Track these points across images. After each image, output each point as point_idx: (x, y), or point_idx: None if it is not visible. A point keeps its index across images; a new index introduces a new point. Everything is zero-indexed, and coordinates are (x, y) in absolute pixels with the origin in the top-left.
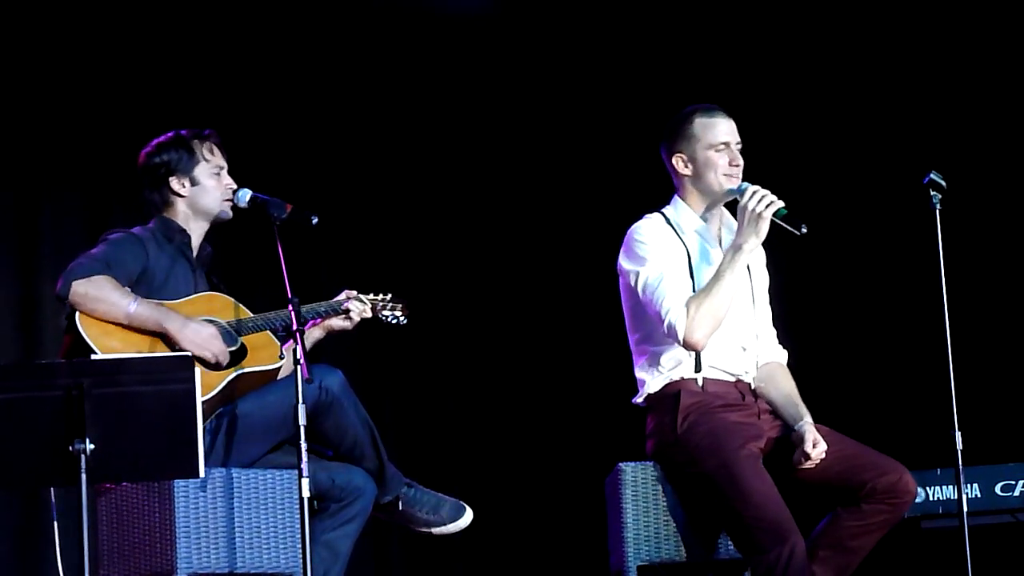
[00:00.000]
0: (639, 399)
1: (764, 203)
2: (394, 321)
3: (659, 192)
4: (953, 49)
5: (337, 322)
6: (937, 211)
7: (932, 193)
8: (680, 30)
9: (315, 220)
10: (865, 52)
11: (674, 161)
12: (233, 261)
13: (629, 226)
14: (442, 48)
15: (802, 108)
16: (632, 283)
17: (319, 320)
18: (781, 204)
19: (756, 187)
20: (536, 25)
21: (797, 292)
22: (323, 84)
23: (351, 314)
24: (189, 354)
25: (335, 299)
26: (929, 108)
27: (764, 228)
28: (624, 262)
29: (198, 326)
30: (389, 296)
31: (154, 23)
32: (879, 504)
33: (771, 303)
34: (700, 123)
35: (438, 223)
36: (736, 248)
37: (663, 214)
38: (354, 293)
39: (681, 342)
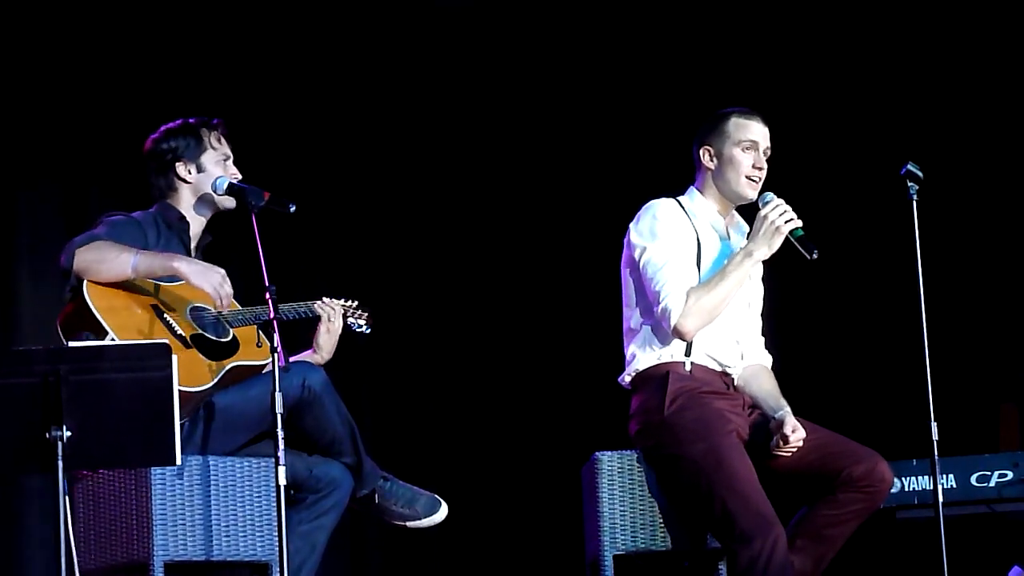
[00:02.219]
0: (626, 376)
1: (784, 218)
2: (358, 329)
3: (636, 183)
4: (930, 40)
5: (317, 358)
6: (914, 202)
7: (909, 184)
8: (662, 23)
9: (293, 208)
10: (842, 43)
11: (701, 153)
12: (211, 250)
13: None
14: (427, 40)
15: (778, 99)
16: (637, 257)
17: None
18: (799, 224)
19: (779, 200)
20: (520, 17)
21: (773, 283)
22: (308, 76)
23: (323, 327)
24: (166, 341)
25: (312, 303)
26: (906, 99)
27: (778, 242)
28: (634, 235)
29: (207, 267)
30: (355, 304)
31: (131, 11)
32: (855, 493)
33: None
34: (735, 122)
35: (413, 217)
36: (747, 253)
37: (678, 201)
38: (328, 300)
39: (671, 328)
